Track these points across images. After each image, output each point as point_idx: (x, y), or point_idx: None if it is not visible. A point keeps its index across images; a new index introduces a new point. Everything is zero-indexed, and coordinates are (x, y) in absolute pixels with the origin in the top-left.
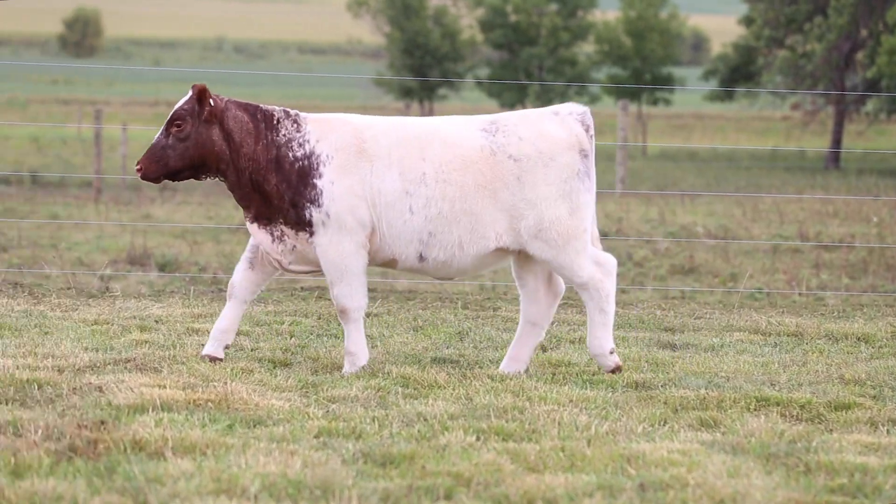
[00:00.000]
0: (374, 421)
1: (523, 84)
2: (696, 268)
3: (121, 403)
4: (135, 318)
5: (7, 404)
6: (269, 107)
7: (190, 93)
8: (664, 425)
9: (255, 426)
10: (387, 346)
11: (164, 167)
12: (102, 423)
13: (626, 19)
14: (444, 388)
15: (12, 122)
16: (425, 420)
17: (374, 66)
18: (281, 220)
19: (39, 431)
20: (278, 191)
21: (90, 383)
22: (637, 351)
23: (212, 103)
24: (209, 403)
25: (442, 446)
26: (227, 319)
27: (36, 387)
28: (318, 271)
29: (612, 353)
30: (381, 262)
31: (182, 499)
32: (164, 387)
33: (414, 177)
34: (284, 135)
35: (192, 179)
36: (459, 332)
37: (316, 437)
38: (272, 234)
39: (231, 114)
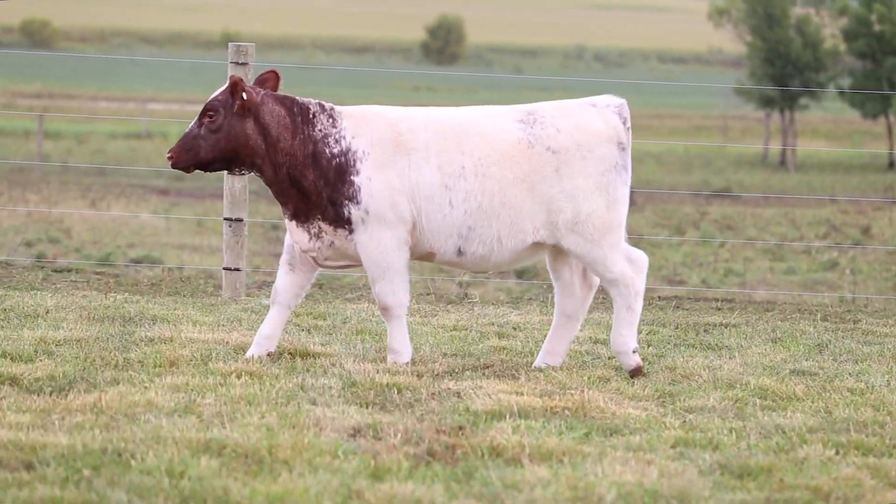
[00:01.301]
0: (731, 432)
1: (886, 94)
2: None
3: (478, 409)
4: (493, 324)
5: (367, 408)
6: (305, 100)
7: (226, 84)
8: None
9: (611, 435)
10: (745, 357)
11: (195, 157)
12: (460, 428)
13: None
14: (803, 400)
15: None
16: (783, 432)
17: (735, 76)
18: (319, 217)
19: (399, 435)
20: (316, 187)
21: (448, 388)
22: None
23: (244, 97)
24: (566, 411)
25: (800, 459)
26: (270, 325)
27: (396, 391)
28: (354, 265)
29: (634, 352)
30: (418, 256)
31: None
32: (522, 393)
33: (453, 170)
34: (321, 130)
35: (224, 171)
36: (818, 345)
37: (672, 447)
38: (310, 232)
39: (268, 108)
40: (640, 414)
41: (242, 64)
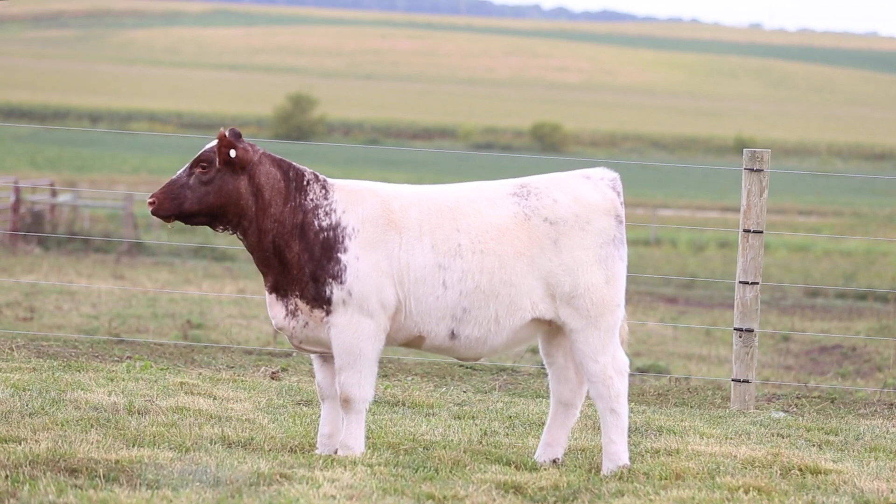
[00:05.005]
0: None
1: None
2: None
3: None
4: None
5: None
6: (301, 167)
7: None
8: None
9: None
10: None
11: (178, 207)
12: None
13: None
14: None
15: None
16: None
17: None
18: (297, 294)
19: None
20: (299, 261)
21: None
22: None
23: (231, 154)
24: None
25: None
26: (328, 424)
27: None
28: (328, 352)
29: (623, 467)
30: (404, 342)
31: None
32: None
33: (448, 249)
34: (312, 199)
35: (209, 227)
36: None
37: None
38: (286, 308)
39: (264, 168)
40: None
41: (757, 171)
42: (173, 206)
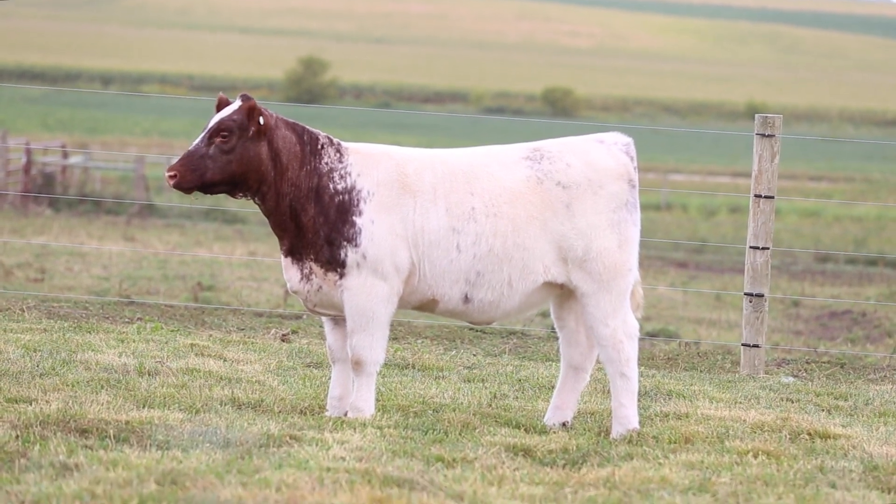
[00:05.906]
0: None
1: None
2: None
3: None
4: None
5: (889, 493)
6: (314, 130)
7: (238, 102)
8: None
9: None
10: None
11: (201, 178)
12: None
13: None
14: None
15: None
16: None
17: None
18: (311, 257)
19: None
20: (314, 224)
21: None
22: None
23: (261, 121)
24: None
25: None
26: (339, 386)
27: None
28: (342, 315)
29: (632, 431)
30: (417, 305)
31: None
32: None
33: (462, 212)
34: (327, 163)
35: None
36: None
37: None
38: (301, 272)
39: (280, 133)
40: None
41: (769, 136)
42: (195, 178)
